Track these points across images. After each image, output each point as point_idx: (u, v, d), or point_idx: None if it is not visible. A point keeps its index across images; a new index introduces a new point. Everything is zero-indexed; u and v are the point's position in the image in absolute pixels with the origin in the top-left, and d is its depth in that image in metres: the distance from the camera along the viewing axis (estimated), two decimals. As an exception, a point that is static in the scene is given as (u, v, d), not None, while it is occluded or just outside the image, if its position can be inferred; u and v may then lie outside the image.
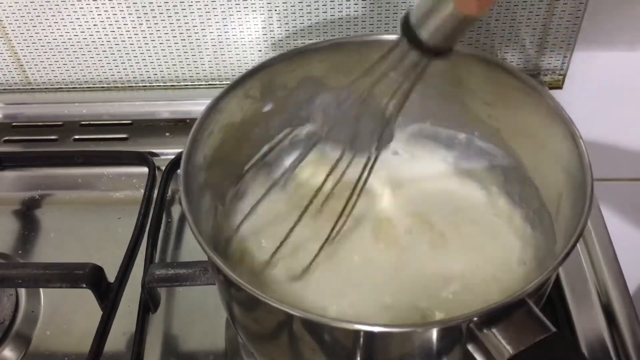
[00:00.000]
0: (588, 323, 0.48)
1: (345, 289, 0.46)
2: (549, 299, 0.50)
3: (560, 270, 0.51)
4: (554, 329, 0.33)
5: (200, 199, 0.44)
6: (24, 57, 0.65)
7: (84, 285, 0.48)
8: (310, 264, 0.46)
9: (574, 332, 0.48)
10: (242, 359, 0.49)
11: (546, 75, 0.64)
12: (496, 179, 0.51)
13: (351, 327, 0.34)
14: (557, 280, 0.51)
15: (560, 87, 0.64)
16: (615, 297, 0.49)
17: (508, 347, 0.32)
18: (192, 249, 0.56)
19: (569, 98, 0.65)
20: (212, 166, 0.46)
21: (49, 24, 0.62)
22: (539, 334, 0.33)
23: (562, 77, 0.64)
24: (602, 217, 0.56)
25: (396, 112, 0.43)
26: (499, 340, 0.33)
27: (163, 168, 0.60)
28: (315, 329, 0.36)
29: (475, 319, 0.33)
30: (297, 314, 0.34)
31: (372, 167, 0.47)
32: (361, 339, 0.36)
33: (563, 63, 0.63)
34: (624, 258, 0.52)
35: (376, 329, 0.34)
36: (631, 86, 0.65)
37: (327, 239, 0.47)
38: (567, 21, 0.59)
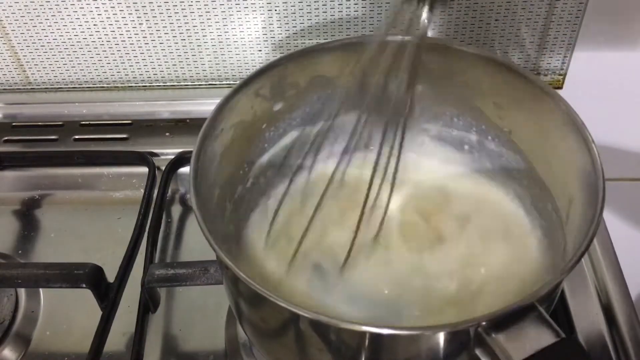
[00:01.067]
0: (588, 323, 0.48)
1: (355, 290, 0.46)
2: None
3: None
4: (563, 335, 0.32)
5: (209, 197, 0.44)
6: (24, 57, 0.65)
7: (84, 285, 0.48)
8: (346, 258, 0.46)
9: (574, 332, 0.48)
10: (242, 358, 0.49)
11: (546, 75, 0.64)
12: (508, 182, 0.51)
13: (358, 328, 0.34)
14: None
15: (560, 87, 0.64)
16: (615, 297, 0.49)
17: (515, 352, 0.32)
18: (192, 248, 0.56)
19: (569, 98, 0.64)
20: (222, 164, 0.46)
21: (49, 24, 0.62)
22: (548, 339, 0.32)
23: (562, 77, 0.64)
24: (602, 217, 0.56)
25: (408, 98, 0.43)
26: (507, 345, 0.32)
27: (163, 168, 0.60)
28: (323, 329, 0.36)
29: (484, 323, 0.33)
30: (305, 315, 0.34)
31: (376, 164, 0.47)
32: (368, 341, 0.35)
33: (563, 63, 0.63)
34: (623, 257, 0.52)
35: (384, 331, 0.33)
36: (631, 86, 0.65)
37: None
38: (567, 21, 0.59)
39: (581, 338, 0.47)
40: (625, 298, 0.49)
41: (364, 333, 0.34)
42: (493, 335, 0.33)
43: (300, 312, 0.34)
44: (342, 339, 0.36)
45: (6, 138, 0.66)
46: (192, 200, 0.39)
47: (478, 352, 0.34)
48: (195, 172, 0.41)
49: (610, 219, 0.57)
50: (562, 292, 0.50)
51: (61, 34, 0.62)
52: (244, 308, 0.42)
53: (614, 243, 0.53)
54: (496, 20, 0.60)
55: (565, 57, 0.62)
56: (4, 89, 0.67)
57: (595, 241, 0.53)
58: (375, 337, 0.35)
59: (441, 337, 0.34)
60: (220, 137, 0.45)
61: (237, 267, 0.36)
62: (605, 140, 0.68)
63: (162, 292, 0.52)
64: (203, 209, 0.40)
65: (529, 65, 0.63)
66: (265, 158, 0.52)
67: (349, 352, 0.37)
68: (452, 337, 0.34)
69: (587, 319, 0.48)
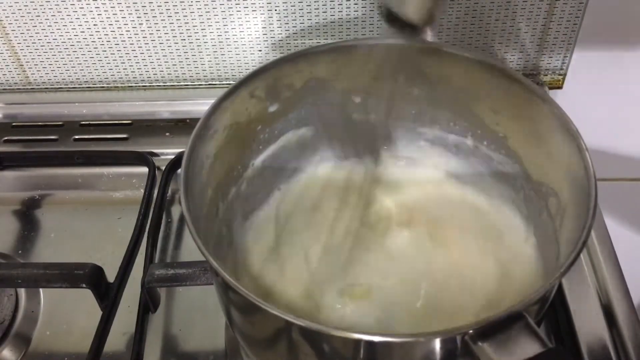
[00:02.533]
0: (588, 323, 0.48)
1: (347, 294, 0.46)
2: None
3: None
4: (550, 345, 0.32)
5: (201, 197, 0.44)
6: (24, 57, 0.65)
7: (84, 285, 0.48)
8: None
9: (574, 332, 0.48)
10: (242, 358, 0.49)
11: (546, 75, 0.64)
12: (503, 187, 0.51)
13: (333, 332, 0.33)
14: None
15: (560, 87, 0.64)
16: (615, 297, 0.49)
17: None
18: (192, 248, 0.56)
19: (569, 98, 0.65)
20: (215, 165, 0.46)
21: (49, 24, 0.62)
22: (535, 349, 0.32)
23: (562, 77, 0.64)
24: (602, 217, 0.56)
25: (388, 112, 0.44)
26: (493, 354, 0.32)
27: (163, 168, 0.60)
28: (311, 336, 0.36)
29: (471, 331, 0.32)
30: (295, 322, 0.34)
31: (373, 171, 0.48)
32: (354, 347, 0.35)
33: (563, 63, 0.63)
34: (623, 257, 0.52)
35: (368, 338, 0.33)
36: (631, 86, 0.65)
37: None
38: (567, 21, 0.59)
39: (581, 339, 0.47)
40: (625, 298, 0.49)
41: (346, 340, 0.34)
42: (479, 343, 0.32)
43: (290, 319, 0.34)
44: (328, 345, 0.36)
45: (6, 138, 0.66)
46: (183, 202, 0.39)
47: None
48: (186, 174, 0.41)
49: (611, 218, 0.56)
50: (562, 292, 0.50)
51: (61, 34, 0.62)
52: (235, 314, 0.42)
53: (614, 243, 0.53)
54: (496, 20, 0.60)
55: (565, 57, 0.62)
56: (4, 89, 0.67)
57: (595, 241, 0.53)
58: (360, 344, 0.34)
59: (427, 345, 0.34)
60: (214, 138, 0.45)
61: (227, 270, 0.36)
62: (606, 140, 0.68)
63: (162, 292, 0.52)
64: (194, 211, 0.40)
65: (529, 65, 0.63)
66: (260, 159, 0.52)
67: (334, 357, 0.37)
68: (438, 345, 0.34)
69: (587, 319, 0.48)
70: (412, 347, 0.35)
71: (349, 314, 0.44)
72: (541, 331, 0.33)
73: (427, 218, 0.51)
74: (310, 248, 0.49)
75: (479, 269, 0.47)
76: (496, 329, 0.33)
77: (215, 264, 0.36)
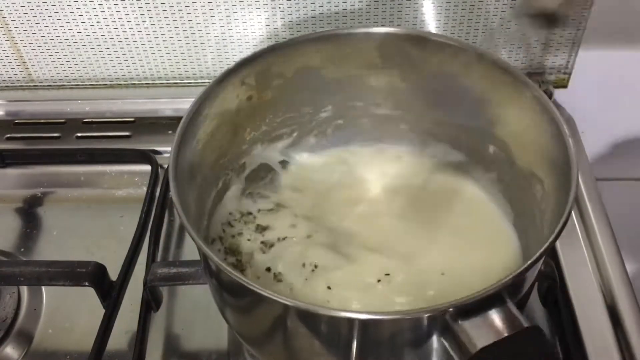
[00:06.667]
0: (593, 323, 0.48)
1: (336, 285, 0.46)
2: (554, 300, 0.50)
3: (565, 270, 0.51)
4: (526, 325, 0.33)
5: (191, 182, 0.45)
6: (27, 54, 0.64)
7: (87, 284, 0.48)
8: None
9: (578, 333, 0.48)
10: (244, 357, 0.49)
11: (551, 74, 0.63)
12: (489, 174, 0.51)
13: (323, 312, 0.35)
14: (562, 280, 0.51)
15: (565, 86, 0.64)
16: (620, 298, 0.49)
17: (479, 339, 0.33)
18: (194, 247, 0.56)
19: (574, 97, 0.64)
20: (205, 152, 0.46)
21: (52, 21, 0.62)
22: (513, 328, 0.33)
23: (567, 75, 0.63)
24: (606, 217, 0.55)
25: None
26: (472, 331, 0.33)
27: (166, 166, 0.60)
28: (301, 316, 0.37)
29: (451, 309, 0.33)
30: (282, 301, 0.34)
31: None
32: (334, 325, 0.36)
33: (568, 62, 0.62)
34: (629, 258, 0.52)
35: (350, 315, 0.34)
36: (636, 85, 0.64)
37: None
38: (573, 19, 0.59)
39: (586, 339, 0.47)
40: (630, 298, 0.49)
41: (329, 317, 0.35)
42: (459, 322, 0.33)
43: (278, 299, 0.34)
44: (309, 322, 0.37)
45: (8, 135, 0.66)
46: (172, 186, 0.39)
47: (444, 339, 0.35)
48: (175, 158, 0.41)
49: (617, 218, 0.56)
50: (567, 293, 0.50)
51: (64, 31, 0.62)
52: (224, 297, 0.42)
53: (619, 243, 0.53)
54: (501, 18, 0.59)
55: (570, 55, 0.62)
56: (7, 86, 0.67)
57: (599, 241, 0.53)
58: (349, 322, 0.35)
59: (408, 323, 0.35)
60: (204, 124, 0.45)
61: (218, 255, 0.36)
62: (610, 139, 0.68)
63: (165, 290, 0.52)
64: (182, 194, 0.40)
65: (533, 64, 0.63)
66: (249, 147, 0.52)
67: (318, 335, 0.37)
68: (419, 323, 0.35)
69: (592, 319, 0.48)
70: (392, 325, 0.36)
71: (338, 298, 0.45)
72: (519, 312, 0.34)
73: (412, 204, 0.51)
74: (305, 237, 0.49)
75: (463, 256, 0.47)
76: (475, 308, 0.34)
77: (203, 246, 0.36)
